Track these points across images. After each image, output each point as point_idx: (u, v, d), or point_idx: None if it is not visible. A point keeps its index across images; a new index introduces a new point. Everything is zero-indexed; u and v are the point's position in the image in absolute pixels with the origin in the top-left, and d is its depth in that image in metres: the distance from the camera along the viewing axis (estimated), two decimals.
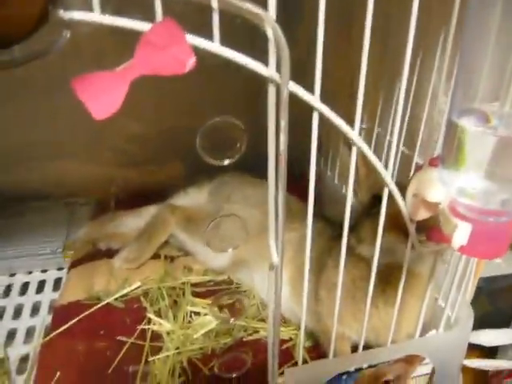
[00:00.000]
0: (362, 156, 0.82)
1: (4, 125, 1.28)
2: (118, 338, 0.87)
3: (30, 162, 1.34)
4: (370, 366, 0.68)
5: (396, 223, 0.60)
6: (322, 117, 0.49)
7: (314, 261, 0.92)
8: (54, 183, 1.39)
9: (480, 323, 0.99)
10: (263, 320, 0.94)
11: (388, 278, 0.76)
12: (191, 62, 0.39)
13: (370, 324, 0.79)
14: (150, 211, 1.13)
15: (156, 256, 1.08)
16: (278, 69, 0.44)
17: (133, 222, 1.13)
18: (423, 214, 0.57)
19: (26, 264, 1.15)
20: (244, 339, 0.89)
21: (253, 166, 0.72)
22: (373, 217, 0.74)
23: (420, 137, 0.84)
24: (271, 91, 0.44)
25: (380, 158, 0.55)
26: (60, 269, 1.16)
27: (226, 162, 0.44)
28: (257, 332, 0.91)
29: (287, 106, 0.45)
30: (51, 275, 1.14)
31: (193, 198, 1.11)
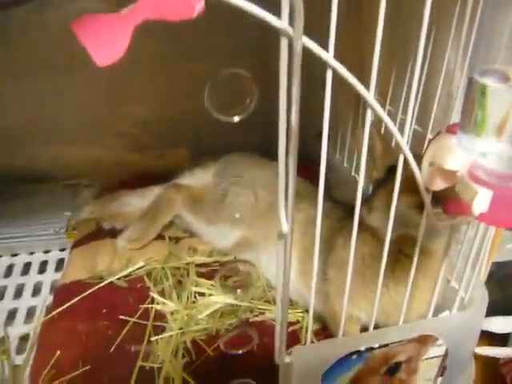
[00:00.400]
0: (377, 133, 0.80)
1: (6, 106, 1.27)
2: (121, 317, 0.85)
3: (33, 145, 1.32)
4: (381, 346, 0.65)
5: (409, 188, 0.57)
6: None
7: (322, 241, 0.89)
8: (57, 166, 1.37)
9: (491, 310, 0.96)
10: (269, 301, 0.91)
11: (399, 255, 0.74)
12: (200, 5, 0.36)
13: (380, 305, 0.76)
14: (154, 191, 1.10)
15: (160, 237, 1.06)
16: (291, 22, 0.42)
17: (137, 201, 1.11)
18: (440, 184, 0.54)
19: (28, 244, 1.13)
20: (250, 320, 0.87)
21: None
22: (385, 184, 0.72)
23: (433, 114, 0.81)
24: (283, 44, 0.42)
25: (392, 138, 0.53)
26: (62, 250, 1.14)
27: (236, 118, 0.41)
28: (263, 314, 0.89)
29: (300, 61, 0.42)
30: (54, 256, 1.13)
31: (198, 179, 1.08)
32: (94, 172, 1.35)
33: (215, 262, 0.99)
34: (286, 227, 0.52)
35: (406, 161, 0.55)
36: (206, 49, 1.24)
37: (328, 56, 0.44)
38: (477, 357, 0.89)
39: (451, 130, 0.54)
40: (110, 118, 1.37)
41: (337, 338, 0.65)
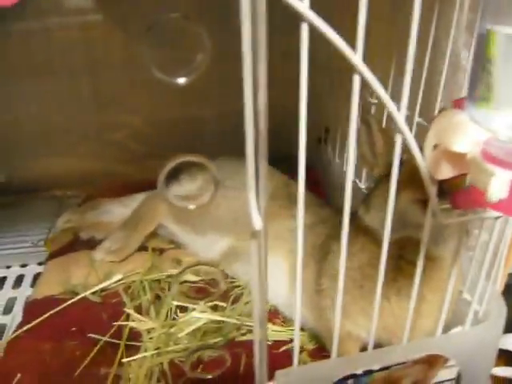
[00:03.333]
0: (379, 128, 0.71)
1: None
2: (91, 335, 0.75)
3: (18, 155, 1.27)
4: (381, 369, 0.56)
5: (411, 180, 0.48)
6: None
7: (317, 249, 0.80)
8: (43, 176, 1.31)
9: (509, 326, 0.86)
10: None
11: (400, 261, 0.64)
12: None
13: (382, 321, 0.67)
14: (137, 199, 1.02)
15: (143, 248, 0.97)
16: None
17: (119, 210, 1.03)
18: (447, 172, 0.45)
19: (3, 258, 1.05)
20: (236, 339, 0.78)
21: None
22: (385, 179, 0.63)
23: (438, 102, 0.73)
24: None
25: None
26: (40, 263, 1.05)
27: (181, 80, 0.33)
28: (251, 332, 0.79)
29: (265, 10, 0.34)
30: (31, 270, 1.04)
31: (185, 186, 1.00)
32: (82, 183, 1.28)
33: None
34: (258, 223, 0.44)
35: (406, 146, 0.47)
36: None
37: (302, 6, 0.36)
38: (493, 378, 0.80)
39: (458, 104, 0.45)
40: (98, 127, 1.31)
41: (329, 360, 0.55)
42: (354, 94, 0.41)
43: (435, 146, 0.45)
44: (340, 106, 1.12)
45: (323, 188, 1.16)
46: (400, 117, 0.43)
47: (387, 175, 0.66)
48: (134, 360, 0.72)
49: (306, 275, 0.79)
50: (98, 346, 0.74)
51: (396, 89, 0.47)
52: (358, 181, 0.98)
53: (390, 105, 0.42)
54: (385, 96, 0.41)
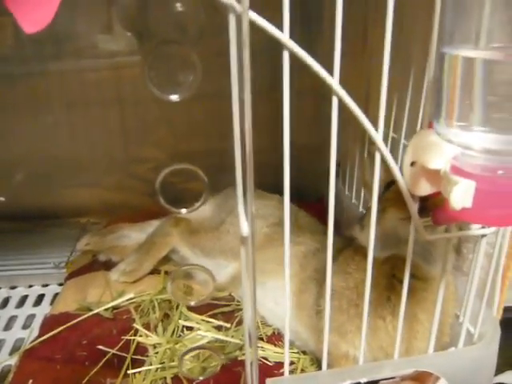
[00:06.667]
0: (372, 158, 0.75)
1: (20, 143, 1.30)
2: (99, 347, 0.79)
3: (47, 183, 1.35)
4: (369, 383, 0.57)
5: (399, 199, 0.52)
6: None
7: (319, 273, 0.83)
8: (69, 204, 1.39)
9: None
10: (262, 339, 0.84)
11: (393, 280, 0.66)
12: None
13: (377, 340, 0.68)
14: (153, 225, 1.07)
15: (156, 271, 1.02)
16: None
17: (136, 235, 1.08)
18: (425, 188, 0.49)
19: (26, 277, 1.11)
20: (239, 358, 0.80)
21: None
22: (379, 198, 0.66)
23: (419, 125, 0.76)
24: (231, 21, 0.40)
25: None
26: (61, 284, 1.11)
27: (174, 97, 0.39)
28: None
29: (248, 38, 0.39)
30: (51, 289, 1.09)
31: (198, 212, 1.05)
32: (105, 212, 1.35)
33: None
34: (246, 230, 0.48)
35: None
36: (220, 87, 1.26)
37: (283, 36, 0.41)
38: None
39: (433, 125, 0.49)
40: (123, 160, 1.39)
41: (319, 371, 0.58)
42: (333, 116, 0.46)
43: (413, 163, 0.49)
44: (350, 141, 1.17)
45: (334, 219, 1.19)
46: (378, 136, 0.48)
47: (380, 197, 0.70)
48: (138, 372, 0.75)
49: (308, 298, 0.82)
50: (106, 358, 0.77)
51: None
52: (364, 211, 1.01)
53: (366, 123, 0.46)
54: (361, 115, 0.46)
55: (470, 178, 0.41)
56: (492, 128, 0.38)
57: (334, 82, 0.44)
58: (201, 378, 0.59)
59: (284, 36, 0.41)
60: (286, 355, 0.55)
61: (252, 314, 0.51)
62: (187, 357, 0.76)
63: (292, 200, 1.09)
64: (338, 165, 1.29)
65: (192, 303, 0.54)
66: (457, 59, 0.38)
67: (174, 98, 0.38)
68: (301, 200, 0.91)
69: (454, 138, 0.42)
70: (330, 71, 0.44)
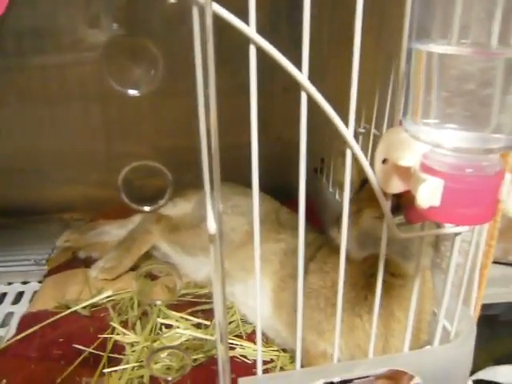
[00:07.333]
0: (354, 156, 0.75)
1: (7, 143, 1.28)
2: (75, 346, 0.78)
3: (29, 179, 1.33)
4: (343, 382, 0.57)
5: (374, 200, 0.51)
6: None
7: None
8: (51, 200, 1.37)
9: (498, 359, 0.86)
10: (241, 336, 0.83)
11: (371, 279, 0.66)
12: None
13: (354, 338, 0.68)
14: (133, 221, 1.06)
15: (136, 269, 1.00)
16: None
17: (115, 231, 1.07)
18: (397, 186, 0.48)
19: (6, 275, 1.10)
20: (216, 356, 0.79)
21: None
22: (355, 198, 0.65)
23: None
24: (195, 14, 0.39)
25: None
26: (41, 281, 1.09)
27: (133, 92, 0.37)
28: (233, 349, 0.81)
29: (211, 32, 0.38)
30: (31, 287, 1.08)
31: (179, 209, 1.04)
32: (89, 208, 1.33)
33: (187, 294, 0.92)
34: (213, 228, 0.47)
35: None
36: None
37: (249, 30, 0.40)
38: None
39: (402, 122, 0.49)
40: (106, 156, 1.38)
41: (293, 370, 0.57)
42: (302, 112, 0.45)
43: (385, 161, 0.48)
44: (333, 137, 1.16)
45: (317, 215, 1.19)
46: (348, 132, 0.47)
47: (353, 197, 0.70)
48: (114, 371, 0.74)
49: (288, 296, 0.81)
50: (82, 357, 0.76)
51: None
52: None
53: (337, 121, 0.46)
54: (331, 112, 0.45)
55: (439, 176, 0.40)
56: (452, 124, 0.38)
57: (303, 77, 0.43)
58: (169, 379, 0.58)
59: (250, 30, 0.40)
60: (258, 353, 0.55)
61: (222, 312, 0.50)
62: (163, 355, 0.76)
63: (277, 196, 1.09)
64: (322, 161, 1.29)
65: (158, 302, 0.53)
66: (421, 54, 0.37)
67: (134, 92, 0.37)
68: (288, 196, 0.90)
69: (420, 135, 0.41)
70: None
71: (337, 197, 1.11)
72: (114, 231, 1.07)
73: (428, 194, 0.39)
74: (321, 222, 1.17)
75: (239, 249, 0.92)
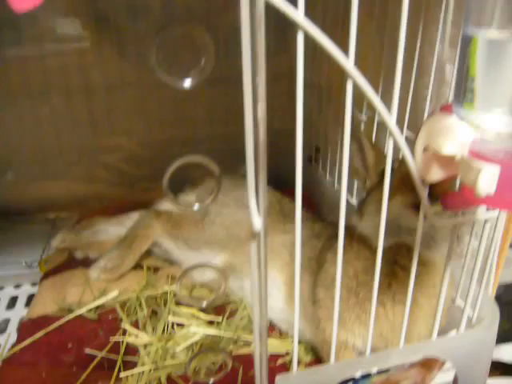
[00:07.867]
0: (369, 142, 0.74)
1: None
2: (87, 351, 0.75)
3: (13, 177, 1.27)
4: (380, 372, 0.56)
5: (404, 185, 0.50)
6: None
7: (312, 261, 0.81)
8: (38, 199, 1.31)
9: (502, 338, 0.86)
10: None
11: (394, 266, 0.66)
12: None
13: (377, 327, 0.67)
14: (132, 218, 1.03)
15: (138, 267, 0.97)
16: None
17: (113, 228, 1.03)
18: (437, 174, 0.47)
19: None
20: (233, 353, 0.78)
21: None
22: (378, 186, 0.65)
23: (425, 117, 0.76)
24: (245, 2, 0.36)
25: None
26: (35, 284, 1.05)
27: (187, 83, 0.35)
28: (248, 345, 0.79)
29: (263, 21, 0.36)
30: (24, 291, 1.04)
31: (188, 194, 1.01)
32: (76, 206, 1.28)
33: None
34: (258, 224, 0.45)
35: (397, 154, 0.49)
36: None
37: (297, 14, 0.38)
38: None
39: (446, 108, 0.48)
40: (91, 150, 1.33)
41: (327, 365, 0.56)
42: (347, 100, 0.44)
43: (425, 149, 0.47)
44: (329, 124, 1.15)
45: (315, 205, 1.18)
46: (391, 119, 0.46)
47: (378, 184, 0.69)
48: (131, 375, 0.71)
49: (302, 287, 0.80)
50: (95, 362, 0.73)
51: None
52: (349, 196, 1.00)
53: (381, 107, 0.44)
54: (376, 99, 0.44)
55: (493, 162, 0.40)
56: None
57: (349, 64, 0.41)
58: (211, 382, 0.56)
59: (299, 14, 0.38)
60: (294, 352, 0.54)
61: (263, 312, 0.49)
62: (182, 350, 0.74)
63: (274, 186, 1.07)
64: (317, 150, 1.28)
65: (203, 305, 0.51)
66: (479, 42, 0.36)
67: (186, 84, 0.34)
68: (285, 186, 0.89)
69: (477, 122, 0.41)
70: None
71: (335, 186, 1.11)
72: (110, 229, 1.03)
73: (488, 182, 0.39)
74: (317, 210, 1.16)
75: (245, 242, 0.90)
